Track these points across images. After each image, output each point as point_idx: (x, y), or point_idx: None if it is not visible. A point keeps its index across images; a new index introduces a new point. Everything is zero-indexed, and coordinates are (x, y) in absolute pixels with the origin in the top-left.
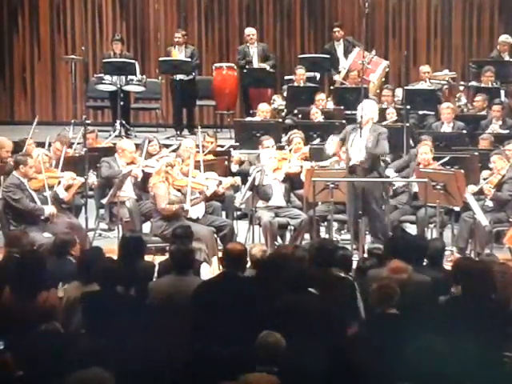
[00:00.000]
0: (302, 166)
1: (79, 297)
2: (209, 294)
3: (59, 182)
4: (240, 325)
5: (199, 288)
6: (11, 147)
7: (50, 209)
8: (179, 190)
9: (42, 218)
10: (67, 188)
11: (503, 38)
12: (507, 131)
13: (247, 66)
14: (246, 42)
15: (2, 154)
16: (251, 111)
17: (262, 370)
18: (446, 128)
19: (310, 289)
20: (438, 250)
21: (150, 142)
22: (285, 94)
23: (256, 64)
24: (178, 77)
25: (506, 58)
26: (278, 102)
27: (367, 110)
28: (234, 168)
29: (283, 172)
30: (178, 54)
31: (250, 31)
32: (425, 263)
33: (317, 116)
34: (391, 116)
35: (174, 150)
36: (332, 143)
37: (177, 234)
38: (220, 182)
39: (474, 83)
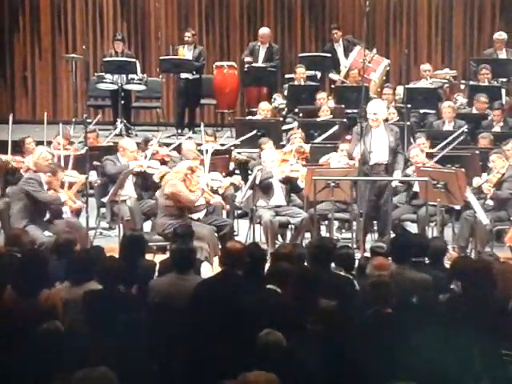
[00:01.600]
0: (298, 171)
1: (69, 299)
2: (208, 293)
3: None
4: (240, 323)
5: (199, 287)
6: None
7: (64, 197)
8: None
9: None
10: (69, 186)
11: (497, 34)
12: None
13: (247, 65)
14: (258, 41)
15: None
16: (247, 110)
17: (262, 369)
18: (447, 127)
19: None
20: (439, 248)
21: (149, 141)
22: (285, 92)
23: (260, 64)
24: (183, 75)
25: (503, 54)
26: (279, 101)
27: (381, 110)
28: (232, 167)
29: (285, 174)
30: (187, 52)
31: (264, 31)
32: (427, 262)
33: (326, 114)
34: (392, 117)
35: (173, 149)
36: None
37: (178, 233)
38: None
39: (472, 82)
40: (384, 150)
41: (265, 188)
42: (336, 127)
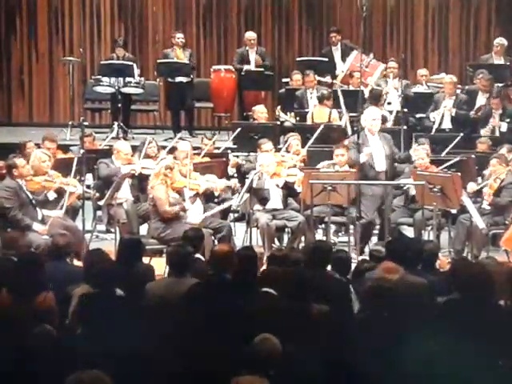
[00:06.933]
0: (296, 175)
1: None
2: (198, 296)
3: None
4: (231, 328)
5: (189, 290)
6: None
7: (40, 227)
8: (178, 192)
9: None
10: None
11: (497, 40)
12: (508, 120)
13: (244, 69)
14: (246, 45)
15: None
16: (245, 113)
17: (256, 373)
18: (449, 102)
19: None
20: (432, 252)
21: (148, 143)
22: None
23: (253, 68)
24: (178, 79)
25: (500, 60)
26: (282, 115)
27: (379, 116)
28: (231, 171)
29: (283, 179)
30: (181, 54)
31: (251, 35)
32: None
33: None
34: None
35: (169, 151)
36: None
37: (188, 236)
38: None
39: (468, 87)
40: (381, 158)
41: (260, 197)
42: None
